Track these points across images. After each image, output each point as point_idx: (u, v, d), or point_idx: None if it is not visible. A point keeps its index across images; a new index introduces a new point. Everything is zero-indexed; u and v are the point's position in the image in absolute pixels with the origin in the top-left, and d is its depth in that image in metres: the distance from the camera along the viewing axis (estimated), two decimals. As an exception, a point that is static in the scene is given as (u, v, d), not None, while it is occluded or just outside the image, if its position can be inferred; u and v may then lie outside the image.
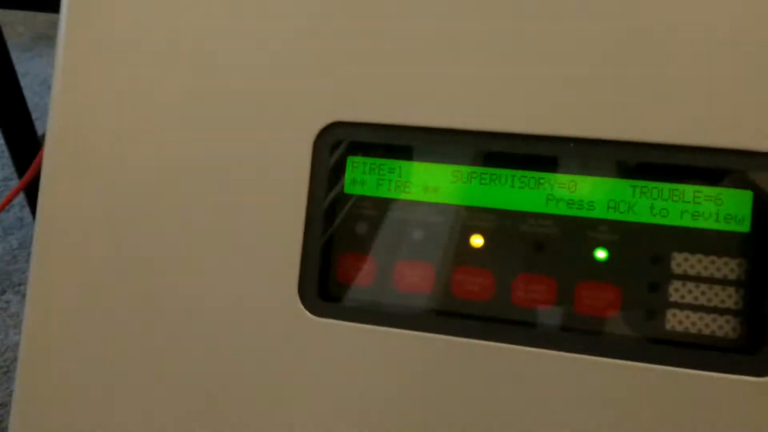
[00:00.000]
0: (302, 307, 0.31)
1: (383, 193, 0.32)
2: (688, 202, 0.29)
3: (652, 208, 0.29)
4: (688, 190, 0.29)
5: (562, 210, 0.30)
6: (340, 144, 0.32)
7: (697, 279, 0.29)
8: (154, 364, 0.33)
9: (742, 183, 0.29)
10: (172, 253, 0.33)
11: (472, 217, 0.31)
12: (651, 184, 0.29)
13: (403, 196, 0.32)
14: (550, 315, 0.30)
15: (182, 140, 0.33)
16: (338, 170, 0.32)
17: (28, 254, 1.04)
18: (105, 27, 0.34)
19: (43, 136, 0.43)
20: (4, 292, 1.04)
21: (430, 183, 0.31)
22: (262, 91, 0.32)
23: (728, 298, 0.29)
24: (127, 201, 0.33)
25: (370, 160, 0.32)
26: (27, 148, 0.89)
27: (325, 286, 0.32)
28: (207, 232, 0.32)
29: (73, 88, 0.34)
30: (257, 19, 0.32)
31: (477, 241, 0.31)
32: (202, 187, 0.32)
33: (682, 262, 0.29)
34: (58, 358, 0.34)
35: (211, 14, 0.33)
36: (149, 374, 0.33)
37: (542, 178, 0.30)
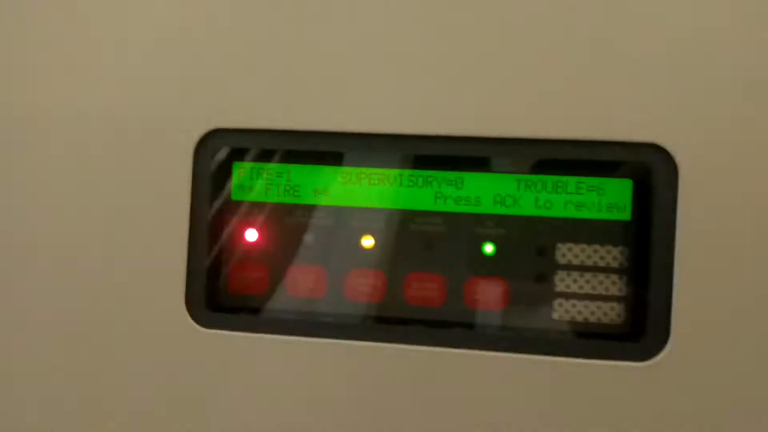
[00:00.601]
0: (190, 319, 0.30)
1: (272, 198, 0.31)
2: (572, 193, 0.30)
3: (536, 200, 0.30)
4: (571, 181, 0.30)
5: (450, 207, 0.30)
6: (223, 151, 0.31)
7: (582, 268, 0.30)
8: (38, 374, 0.32)
9: (623, 172, 0.29)
10: (60, 264, 0.31)
11: (362, 219, 0.31)
12: (535, 177, 0.30)
13: (292, 200, 0.31)
14: (441, 312, 0.30)
15: (63, 150, 0.31)
16: (223, 177, 0.31)
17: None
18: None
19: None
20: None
21: (319, 186, 0.31)
22: (140, 101, 0.31)
23: (612, 285, 0.29)
24: (8, 211, 0.32)
25: (256, 166, 0.31)
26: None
27: (214, 296, 0.31)
28: (93, 244, 0.31)
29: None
30: (133, 25, 0.31)
31: (368, 242, 0.31)
32: (85, 198, 0.31)
33: (566, 252, 0.30)
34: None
35: (89, 20, 0.32)
36: (33, 382, 0.32)
37: (430, 176, 0.30)
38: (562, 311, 0.30)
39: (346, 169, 0.31)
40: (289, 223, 0.31)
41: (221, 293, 0.31)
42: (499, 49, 0.29)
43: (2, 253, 0.32)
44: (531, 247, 0.30)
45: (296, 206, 0.31)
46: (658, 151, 0.28)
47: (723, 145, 0.27)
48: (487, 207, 0.30)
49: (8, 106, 0.32)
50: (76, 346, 0.31)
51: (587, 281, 0.29)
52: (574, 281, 0.30)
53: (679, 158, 0.27)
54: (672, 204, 0.28)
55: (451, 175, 0.30)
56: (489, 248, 0.30)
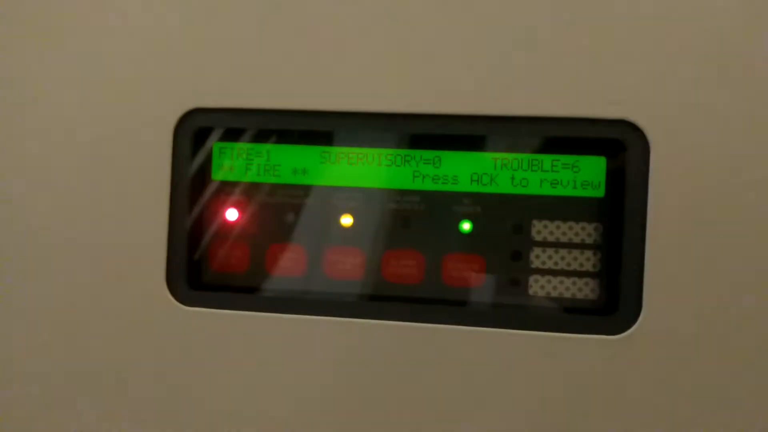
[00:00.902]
0: (171, 296, 0.30)
1: (251, 177, 0.32)
2: (547, 171, 0.30)
3: (512, 178, 0.30)
4: (546, 159, 0.30)
5: (427, 185, 0.31)
6: (203, 130, 0.31)
7: (557, 245, 0.30)
8: (20, 354, 0.32)
9: (597, 150, 0.30)
10: (41, 245, 0.32)
11: (341, 197, 0.31)
12: (511, 156, 0.30)
13: (272, 179, 0.32)
14: (419, 289, 0.31)
15: (43, 132, 0.32)
16: (204, 157, 0.31)
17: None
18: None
19: None
20: None
21: (299, 165, 0.31)
22: (120, 81, 0.31)
23: (587, 261, 0.30)
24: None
25: (236, 146, 0.32)
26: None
27: (195, 274, 0.31)
28: (73, 224, 0.31)
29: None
30: (113, 6, 0.31)
31: (346, 220, 0.31)
32: (67, 178, 0.31)
33: (542, 229, 0.30)
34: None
35: (68, 2, 0.32)
36: (14, 362, 0.32)
37: (408, 155, 0.31)
38: (538, 287, 0.30)
39: (325, 149, 0.31)
40: (269, 201, 0.32)
41: (202, 271, 0.32)
42: (474, 29, 0.29)
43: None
44: (507, 225, 0.30)
45: (276, 185, 0.32)
46: (630, 127, 0.28)
47: (693, 122, 0.28)
48: (465, 185, 0.31)
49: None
50: (58, 325, 0.31)
51: (562, 257, 0.30)
52: (549, 257, 0.30)
53: (651, 135, 0.28)
54: (644, 180, 0.28)
55: (429, 153, 0.31)
56: (466, 226, 0.30)
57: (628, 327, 0.28)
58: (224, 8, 0.30)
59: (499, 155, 0.30)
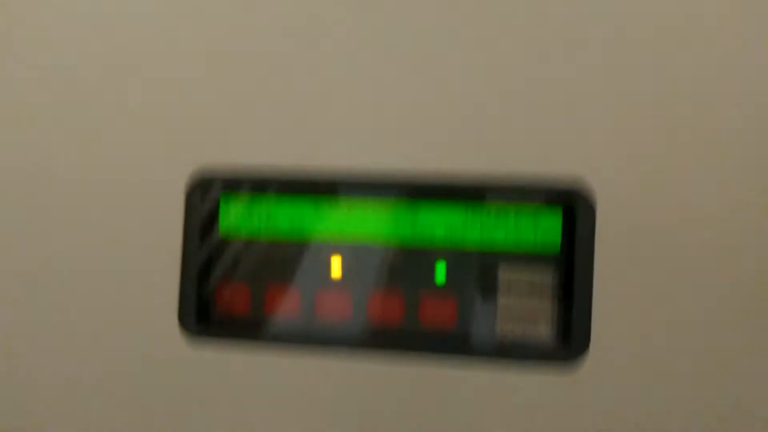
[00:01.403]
0: (182, 334, 0.35)
1: (253, 230, 0.36)
2: (511, 223, 0.35)
3: (482, 228, 0.35)
4: (512, 211, 0.35)
5: (407, 233, 0.35)
6: (211, 188, 0.36)
7: (519, 289, 0.35)
8: (37, 387, 0.36)
9: (554, 202, 0.34)
10: (62, 287, 0.36)
11: (331, 247, 0.36)
12: (480, 207, 0.35)
13: (272, 230, 0.36)
14: (401, 329, 0.35)
15: (58, 180, 0.36)
16: (212, 212, 0.36)
17: None
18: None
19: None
20: None
21: (296, 217, 0.36)
22: (134, 139, 0.36)
23: (544, 303, 0.35)
24: (18, 239, 0.36)
25: (241, 200, 0.36)
26: None
27: (203, 315, 0.36)
28: (93, 271, 0.35)
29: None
30: (125, 60, 0.36)
31: (336, 266, 0.36)
32: (87, 229, 0.36)
33: (508, 274, 0.35)
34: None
35: (81, 55, 0.36)
36: (30, 393, 0.36)
37: (389, 208, 0.35)
38: (503, 326, 0.35)
39: (317, 202, 0.36)
40: (269, 250, 0.36)
41: (210, 312, 0.36)
42: (444, 92, 0.34)
43: (13, 272, 0.36)
44: (477, 272, 0.35)
45: (276, 234, 0.36)
46: (579, 192, 0.33)
47: (636, 180, 0.33)
48: (440, 233, 0.35)
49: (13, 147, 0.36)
50: (75, 361, 0.35)
51: (524, 301, 0.35)
52: (513, 300, 0.35)
53: (598, 196, 0.33)
54: (591, 234, 0.33)
55: (408, 204, 0.35)
56: (441, 273, 0.35)
57: (578, 361, 0.33)
58: (232, 74, 0.35)
59: (470, 205, 0.35)
